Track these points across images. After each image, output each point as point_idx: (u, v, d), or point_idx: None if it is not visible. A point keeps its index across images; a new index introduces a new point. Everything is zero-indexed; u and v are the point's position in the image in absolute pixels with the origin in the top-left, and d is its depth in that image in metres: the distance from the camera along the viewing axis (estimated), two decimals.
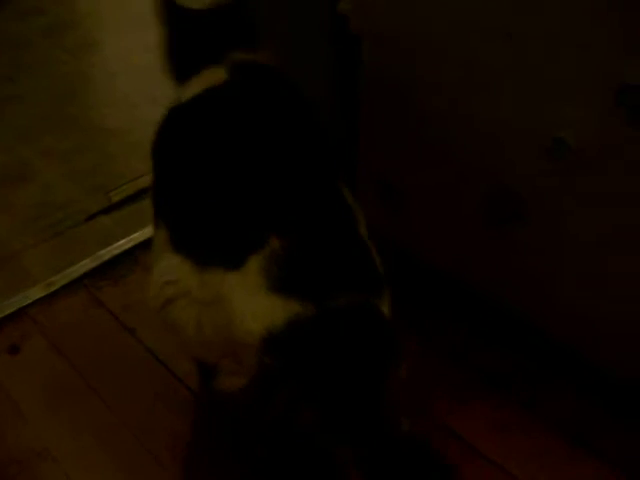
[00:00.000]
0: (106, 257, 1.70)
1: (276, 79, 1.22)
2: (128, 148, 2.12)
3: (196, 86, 1.21)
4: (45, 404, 1.43)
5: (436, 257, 1.55)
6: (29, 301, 1.63)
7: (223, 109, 1.13)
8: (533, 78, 1.21)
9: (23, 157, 2.13)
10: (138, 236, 1.72)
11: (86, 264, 1.70)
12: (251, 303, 0.95)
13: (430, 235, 1.54)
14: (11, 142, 2.21)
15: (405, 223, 1.57)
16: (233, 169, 1.04)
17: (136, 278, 1.65)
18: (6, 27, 3.02)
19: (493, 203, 1.39)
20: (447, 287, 1.56)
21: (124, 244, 1.73)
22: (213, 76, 1.20)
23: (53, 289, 1.65)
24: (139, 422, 1.37)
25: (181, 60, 1.31)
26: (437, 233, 1.53)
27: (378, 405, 0.98)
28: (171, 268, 1.03)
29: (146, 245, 1.61)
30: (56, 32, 2.95)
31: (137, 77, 2.45)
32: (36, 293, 1.64)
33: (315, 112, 1.18)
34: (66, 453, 1.34)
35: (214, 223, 1.01)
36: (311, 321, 0.94)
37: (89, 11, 3.19)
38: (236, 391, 1.02)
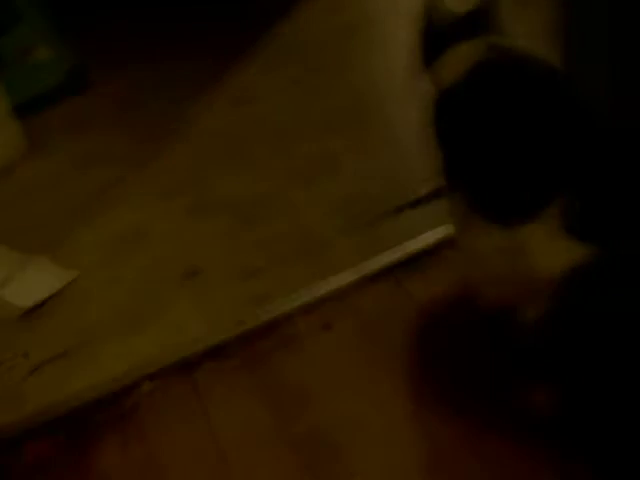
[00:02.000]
0: (413, 249, 1.80)
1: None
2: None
3: (454, 63, 1.33)
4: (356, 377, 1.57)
5: None
6: (343, 283, 1.77)
7: (499, 85, 1.26)
8: None
9: (330, 148, 2.31)
10: (443, 230, 1.77)
11: (394, 254, 1.80)
12: (551, 246, 1.10)
13: None
14: (319, 133, 2.42)
15: None
16: (518, 137, 1.19)
17: (442, 273, 1.73)
18: (305, 26, 3.25)
19: None
20: None
21: (430, 237, 1.81)
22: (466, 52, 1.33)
23: (363, 274, 1.78)
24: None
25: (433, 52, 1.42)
26: None
27: None
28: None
29: (451, 242, 1.67)
30: (350, 31, 3.12)
31: None
32: (348, 277, 1.79)
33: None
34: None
35: (510, 186, 1.18)
36: (602, 264, 1.07)
37: (388, 8, 3.33)
38: (531, 323, 1.16)
